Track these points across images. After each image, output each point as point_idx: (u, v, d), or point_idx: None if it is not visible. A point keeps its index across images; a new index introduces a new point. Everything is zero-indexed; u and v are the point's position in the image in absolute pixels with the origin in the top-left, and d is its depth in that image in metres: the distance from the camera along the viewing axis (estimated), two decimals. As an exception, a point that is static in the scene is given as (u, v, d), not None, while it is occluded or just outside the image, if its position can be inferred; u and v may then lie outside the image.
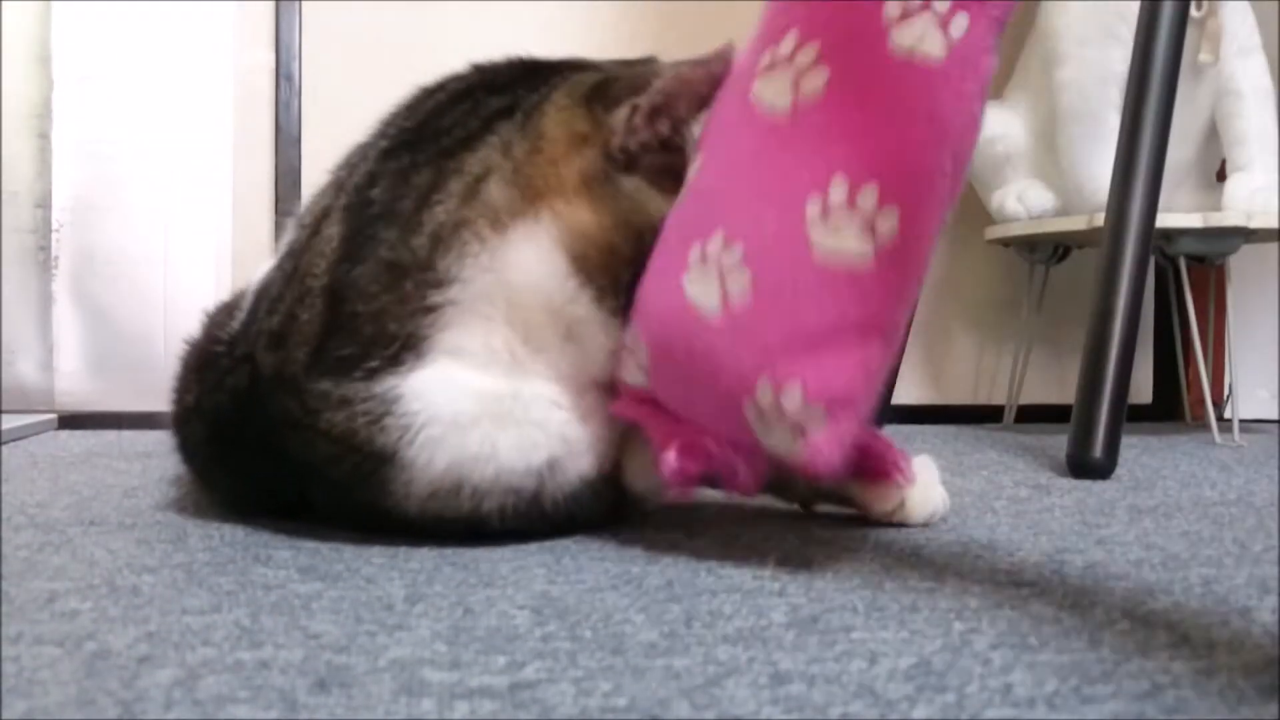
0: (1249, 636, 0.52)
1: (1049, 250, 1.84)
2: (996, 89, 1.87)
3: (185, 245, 1.68)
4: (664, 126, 0.73)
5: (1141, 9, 1.39)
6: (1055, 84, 1.71)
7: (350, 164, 0.76)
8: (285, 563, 0.67)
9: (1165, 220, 1.51)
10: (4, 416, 1.50)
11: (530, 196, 0.70)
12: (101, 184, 1.68)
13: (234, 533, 0.77)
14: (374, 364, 0.69)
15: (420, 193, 0.70)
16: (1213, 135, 1.70)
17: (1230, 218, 1.59)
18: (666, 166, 0.73)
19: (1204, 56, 1.61)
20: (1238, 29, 1.65)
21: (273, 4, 1.76)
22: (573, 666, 0.47)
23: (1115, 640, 0.52)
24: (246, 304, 0.79)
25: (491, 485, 0.70)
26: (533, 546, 0.73)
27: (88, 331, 1.67)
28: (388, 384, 0.69)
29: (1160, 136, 1.33)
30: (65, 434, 1.53)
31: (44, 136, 1.67)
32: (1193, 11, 1.48)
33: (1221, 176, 1.73)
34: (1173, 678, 0.46)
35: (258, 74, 1.77)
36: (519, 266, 0.69)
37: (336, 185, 0.75)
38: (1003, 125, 1.80)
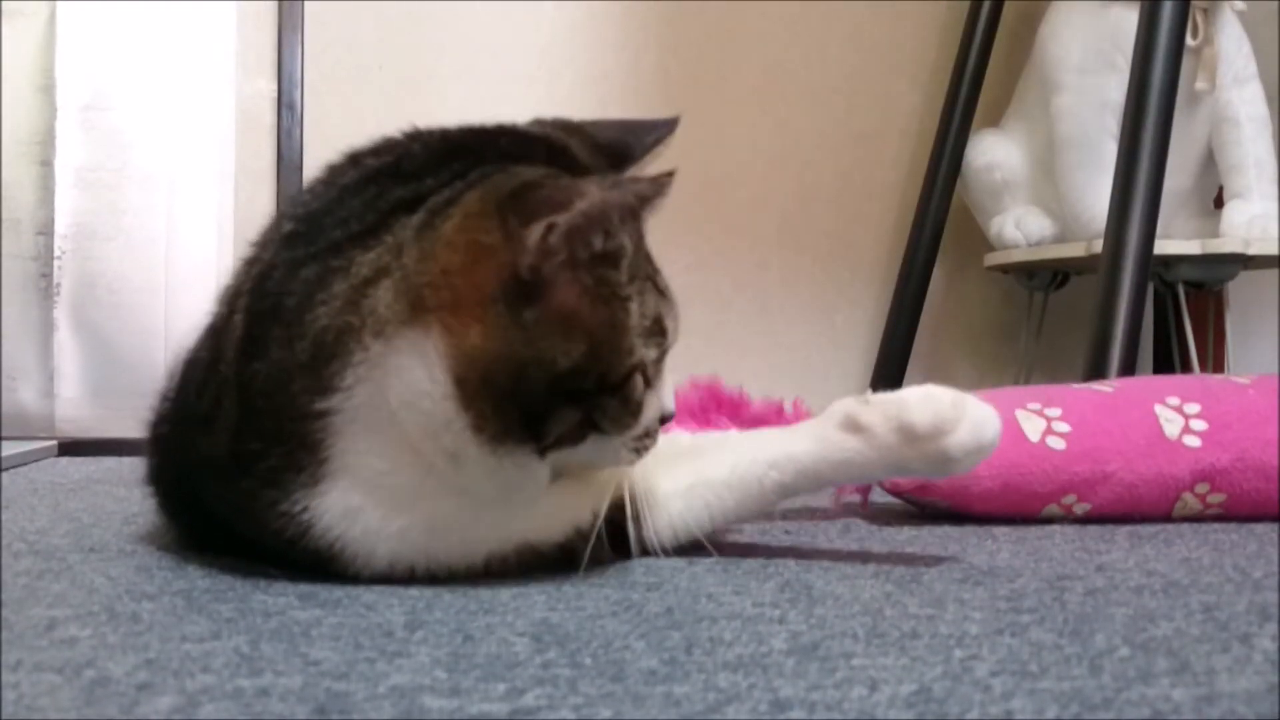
0: (1250, 663, 0.52)
1: (1048, 277, 1.85)
2: (994, 117, 1.88)
3: (186, 273, 1.69)
4: (582, 251, 0.63)
5: (1138, 38, 1.40)
6: (1053, 112, 1.72)
7: (262, 241, 0.70)
8: (285, 589, 0.67)
9: (1163, 247, 1.52)
10: (4, 443, 1.50)
11: (419, 307, 0.62)
12: (103, 212, 1.68)
13: (233, 560, 0.76)
14: (275, 463, 0.65)
15: (306, 290, 0.64)
16: (1210, 163, 1.71)
17: (1228, 244, 1.59)
18: (577, 303, 0.63)
19: (1200, 84, 1.62)
20: (1234, 57, 1.66)
21: (275, 33, 1.78)
22: (573, 694, 0.47)
23: (1116, 667, 0.51)
24: (174, 378, 0.76)
25: (440, 569, 0.69)
26: (532, 574, 0.73)
27: (89, 358, 1.67)
28: (297, 500, 0.65)
29: (1157, 164, 1.34)
30: (65, 460, 1.53)
31: (46, 164, 1.68)
32: (1189, 40, 1.49)
33: (1219, 203, 1.73)
34: (1174, 705, 0.46)
35: (260, 102, 1.78)
36: (401, 380, 0.62)
37: (249, 264, 0.70)
38: (1001, 153, 1.81)
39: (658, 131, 0.76)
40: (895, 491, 1.02)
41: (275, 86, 1.78)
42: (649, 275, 0.69)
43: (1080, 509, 0.98)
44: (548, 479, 0.68)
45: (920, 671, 0.51)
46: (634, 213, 0.65)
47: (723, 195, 1.86)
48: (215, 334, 0.71)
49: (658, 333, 0.68)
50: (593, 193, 0.62)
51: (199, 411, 0.70)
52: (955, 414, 0.74)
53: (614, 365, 0.65)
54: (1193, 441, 0.99)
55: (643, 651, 0.54)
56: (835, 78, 1.96)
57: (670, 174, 0.66)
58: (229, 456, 0.67)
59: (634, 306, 0.66)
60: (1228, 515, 1.01)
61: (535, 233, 0.61)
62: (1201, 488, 0.99)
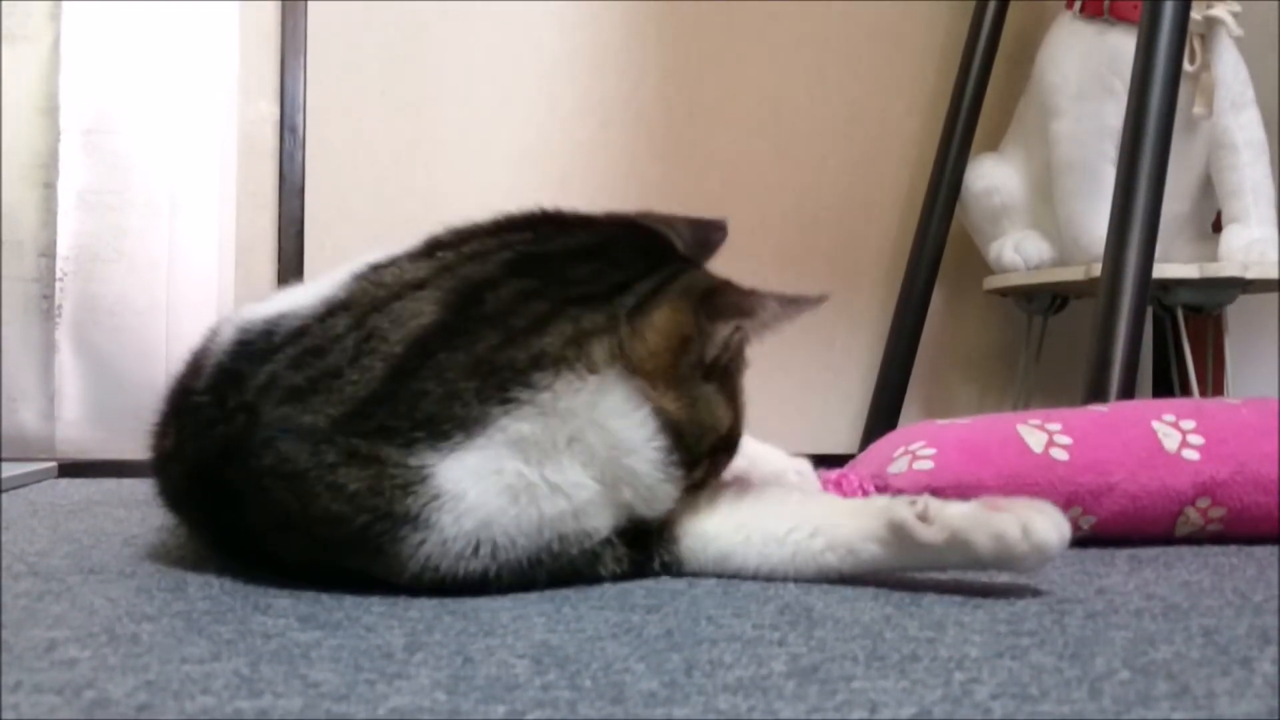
0: (1250, 687, 0.52)
1: (1046, 300, 1.86)
2: (993, 141, 1.89)
3: (188, 295, 1.69)
4: (746, 347, 0.80)
5: (1135, 63, 1.41)
6: (1051, 136, 1.73)
7: (461, 251, 0.77)
8: (285, 611, 0.67)
9: (1162, 271, 1.53)
10: (5, 464, 1.50)
11: (627, 366, 0.74)
12: (105, 234, 1.69)
13: (233, 581, 0.76)
14: (419, 435, 0.70)
15: (534, 319, 0.73)
16: (1208, 187, 1.72)
17: (1227, 269, 1.60)
18: (730, 379, 0.79)
19: (1198, 110, 1.63)
20: (1231, 83, 1.67)
21: (277, 56, 1.79)
22: (572, 716, 0.47)
23: (1116, 691, 0.51)
24: (223, 351, 0.77)
25: (509, 549, 0.73)
26: (533, 595, 0.73)
27: (89, 380, 1.67)
28: (426, 457, 0.70)
29: (1156, 188, 1.35)
30: (65, 482, 1.53)
31: (49, 186, 1.69)
32: (1186, 66, 1.50)
33: (1217, 228, 1.74)
34: (1174, 728, 0.46)
35: (262, 126, 1.79)
36: (600, 408, 0.73)
37: (440, 267, 0.76)
38: (1000, 177, 1.82)
39: (719, 234, 0.93)
40: None
41: (277, 110, 1.79)
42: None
43: (1086, 522, 0.98)
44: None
45: (920, 694, 0.50)
46: (796, 318, 0.78)
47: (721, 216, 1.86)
48: (355, 309, 0.74)
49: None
50: (773, 308, 0.77)
51: (290, 382, 0.72)
52: (1020, 539, 0.72)
53: (738, 428, 0.81)
54: (1191, 455, 0.99)
55: (643, 674, 0.54)
56: (834, 103, 1.97)
57: (826, 297, 0.79)
58: (333, 422, 0.70)
59: (742, 381, 0.81)
60: (1226, 532, 1.00)
61: (723, 332, 0.76)
62: (1203, 501, 0.98)
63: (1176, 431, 1.00)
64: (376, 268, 0.78)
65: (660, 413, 0.74)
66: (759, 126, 1.93)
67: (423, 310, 0.73)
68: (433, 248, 0.79)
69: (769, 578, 0.80)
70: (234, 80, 1.76)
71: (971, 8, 1.90)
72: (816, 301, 0.78)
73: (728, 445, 0.81)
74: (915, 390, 1.88)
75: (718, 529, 0.81)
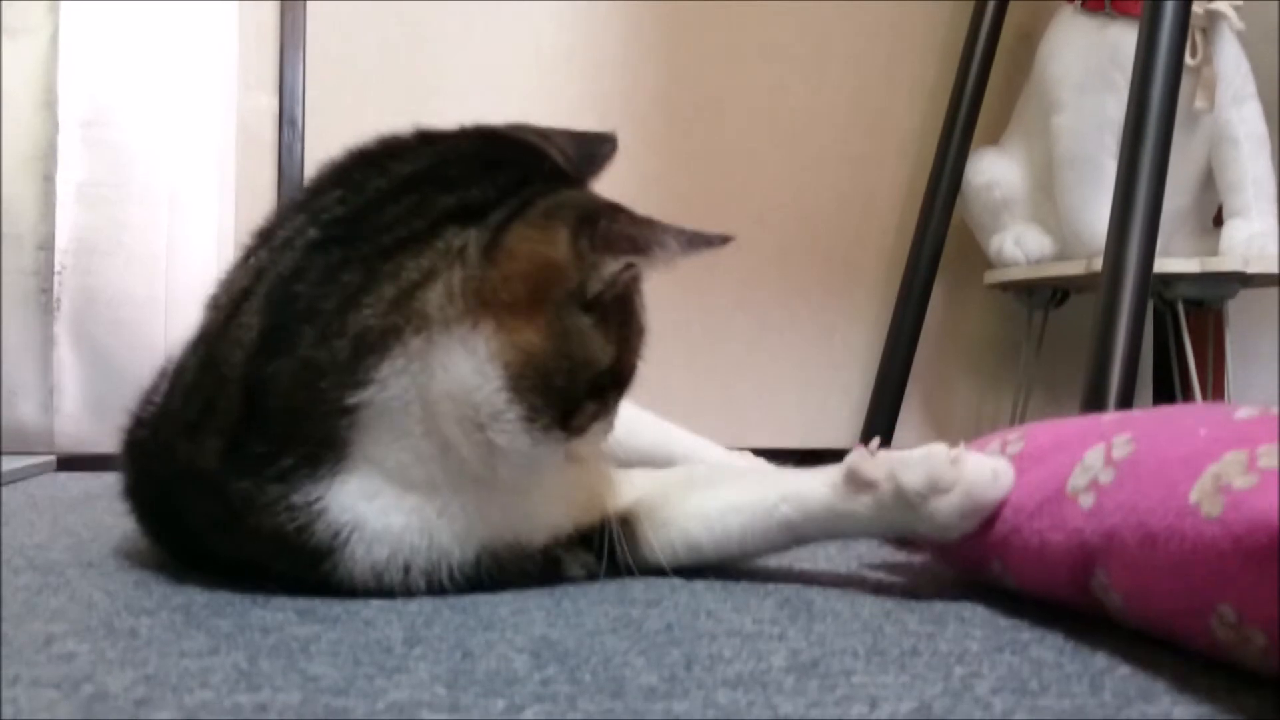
0: (1250, 682, 0.52)
1: (1047, 294, 1.85)
2: (994, 135, 1.89)
3: (187, 288, 1.69)
4: (637, 282, 0.72)
5: (1137, 57, 1.40)
6: (1052, 130, 1.73)
7: (273, 244, 0.72)
8: (283, 605, 0.67)
9: (1163, 265, 1.52)
10: (4, 458, 1.50)
11: (475, 306, 0.67)
12: (104, 227, 1.69)
13: (225, 576, 0.76)
14: (289, 462, 0.67)
15: (347, 293, 0.67)
16: (1209, 181, 1.72)
17: (1228, 263, 1.60)
18: (613, 311, 0.71)
19: (1199, 104, 1.63)
20: (1232, 76, 1.67)
21: (276, 49, 1.78)
22: (572, 710, 0.47)
23: (1116, 685, 0.51)
24: (164, 384, 0.76)
25: (434, 567, 0.70)
26: (531, 590, 0.73)
27: (88, 374, 1.67)
28: (309, 492, 0.67)
29: (1157, 182, 1.35)
30: (64, 476, 1.53)
31: (48, 179, 1.68)
32: (1188, 59, 1.50)
33: (1218, 222, 1.74)
34: (1175, 723, 0.46)
35: (261, 118, 1.78)
36: (446, 374, 0.67)
37: (257, 270, 0.71)
38: (1000, 171, 1.82)
39: (606, 147, 0.83)
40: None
41: (276, 102, 1.78)
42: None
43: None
44: (560, 461, 0.73)
45: (920, 689, 0.50)
46: (697, 254, 0.71)
47: (723, 215, 1.86)
48: (209, 340, 0.72)
49: (644, 334, 0.75)
50: (671, 245, 0.69)
51: (185, 419, 0.71)
52: (952, 475, 0.71)
53: (628, 364, 0.73)
54: (1087, 501, 0.66)
55: (642, 668, 0.54)
56: (835, 97, 1.96)
57: (730, 238, 0.71)
58: (220, 460, 0.68)
59: (639, 314, 0.74)
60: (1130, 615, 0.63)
61: (613, 267, 0.68)
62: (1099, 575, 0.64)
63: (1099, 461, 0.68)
64: (215, 290, 0.74)
65: (516, 348, 0.67)
66: (759, 122, 1.93)
67: (250, 324, 0.69)
68: (253, 247, 0.74)
69: (735, 551, 0.78)
70: (233, 73, 1.76)
71: (972, 2, 1.89)
72: (719, 241, 0.71)
73: (616, 381, 0.72)
74: (916, 384, 1.88)
75: (676, 513, 0.79)
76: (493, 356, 0.67)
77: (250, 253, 0.73)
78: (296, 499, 0.67)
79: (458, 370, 0.67)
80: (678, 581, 0.76)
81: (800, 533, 0.77)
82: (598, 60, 1.88)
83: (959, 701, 0.48)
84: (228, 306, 0.71)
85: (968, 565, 0.77)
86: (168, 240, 1.70)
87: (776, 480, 0.80)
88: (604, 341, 0.70)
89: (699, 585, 0.75)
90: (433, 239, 0.68)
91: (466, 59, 1.83)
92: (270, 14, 1.78)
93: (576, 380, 0.69)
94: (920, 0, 1.98)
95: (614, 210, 0.71)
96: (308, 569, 0.68)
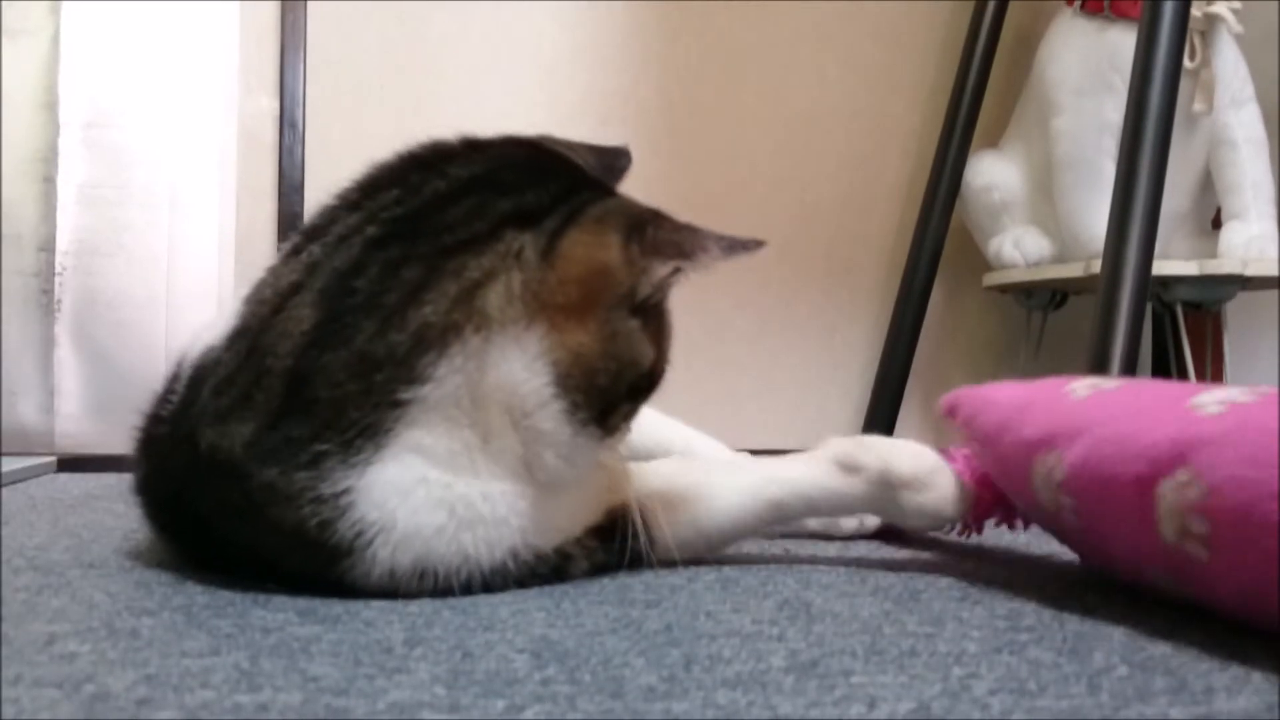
0: (1249, 683, 0.52)
1: (1046, 297, 1.86)
2: (993, 138, 1.89)
3: (188, 290, 1.69)
4: (678, 284, 0.75)
5: (1135, 60, 1.41)
6: (1051, 133, 1.73)
7: (325, 241, 0.72)
8: (284, 605, 0.67)
9: (1161, 268, 1.53)
10: (4, 458, 1.50)
11: (532, 308, 0.69)
12: (105, 228, 1.69)
13: (230, 575, 0.76)
14: (324, 448, 0.67)
15: (409, 289, 0.69)
16: (1207, 184, 1.72)
17: (1226, 265, 1.60)
18: (655, 315, 0.74)
19: (1198, 106, 1.63)
20: (1231, 79, 1.67)
21: (277, 51, 1.79)
22: (572, 710, 0.47)
23: (1114, 686, 0.52)
24: (183, 380, 0.75)
25: (454, 572, 0.70)
26: (532, 590, 0.73)
27: (89, 375, 1.67)
28: (339, 481, 0.67)
29: (1155, 185, 1.35)
30: (65, 476, 1.53)
31: (49, 180, 1.69)
32: (1186, 62, 1.50)
33: (1216, 224, 1.74)
34: (1172, 723, 0.46)
35: (261, 120, 1.78)
36: (497, 369, 0.69)
37: (309, 265, 0.72)
38: (999, 173, 1.82)
39: (623, 160, 0.87)
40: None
41: (277, 104, 1.78)
42: None
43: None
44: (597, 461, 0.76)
45: (919, 689, 0.51)
46: (734, 259, 0.74)
47: (723, 215, 1.85)
48: (250, 333, 0.71)
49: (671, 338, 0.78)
50: (715, 251, 0.72)
51: (215, 409, 0.70)
52: (932, 478, 0.85)
53: (663, 367, 0.76)
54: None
55: (642, 668, 0.54)
56: (834, 99, 1.96)
57: (764, 243, 0.74)
58: (248, 449, 0.68)
59: (670, 319, 0.77)
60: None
61: (662, 271, 0.72)
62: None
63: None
64: (258, 284, 0.74)
65: (566, 348, 0.69)
66: (759, 123, 1.93)
67: (303, 316, 0.69)
68: (301, 244, 0.74)
69: (735, 531, 0.83)
70: (234, 75, 1.76)
71: (971, 5, 1.89)
72: (755, 246, 0.74)
73: (650, 384, 0.76)
74: (915, 386, 1.88)
75: (681, 500, 0.81)
76: (543, 354, 0.69)
77: (298, 249, 0.74)
78: (325, 489, 0.67)
79: (510, 366, 0.69)
80: (678, 581, 0.76)
81: (789, 509, 0.84)
82: (598, 60, 1.88)
83: (957, 702, 0.49)
84: (274, 300, 0.71)
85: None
86: (169, 241, 1.70)
87: (762, 465, 0.86)
88: (647, 345, 0.73)
89: (699, 585, 0.75)
90: (493, 241, 0.70)
91: (466, 59, 1.84)
92: (271, 15, 1.78)
93: (620, 381, 0.72)
94: (920, 0, 1.99)
95: (659, 217, 0.73)
96: (324, 568, 0.68)
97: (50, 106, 1.69)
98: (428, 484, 0.69)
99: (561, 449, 0.71)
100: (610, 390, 0.71)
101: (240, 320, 0.73)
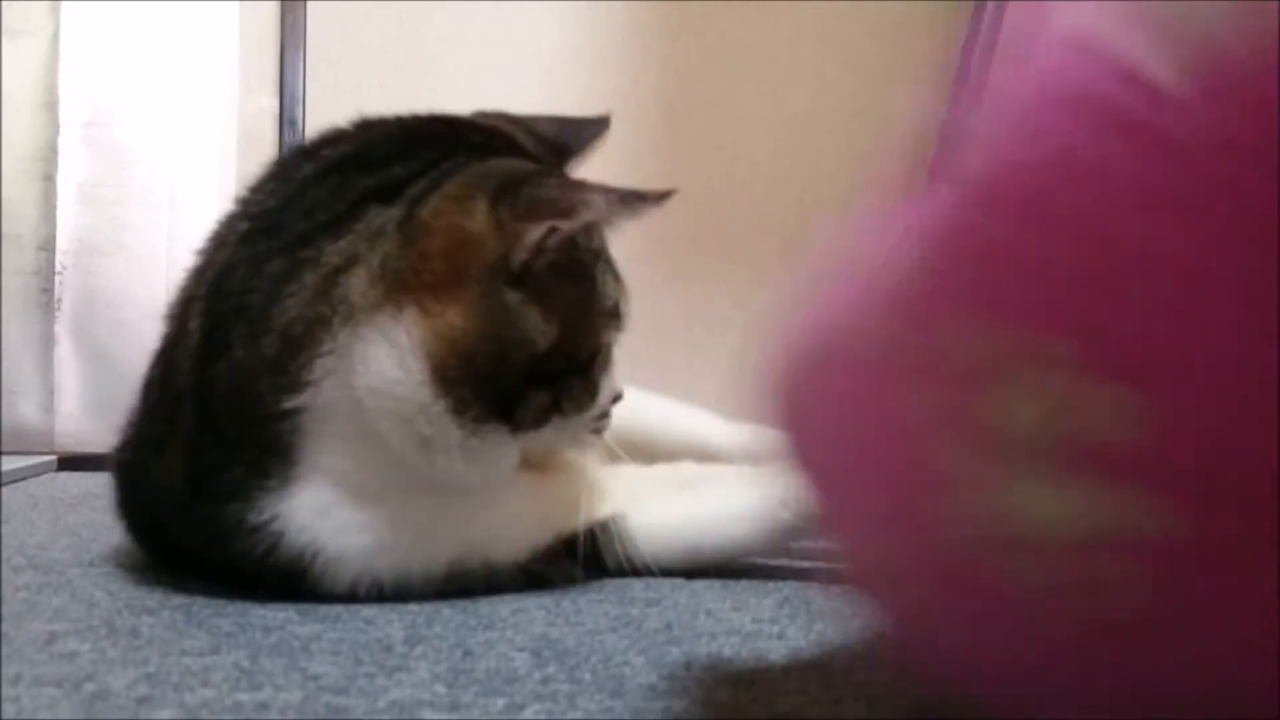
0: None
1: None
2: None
3: (187, 288, 1.69)
4: (572, 250, 0.65)
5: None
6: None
7: (213, 245, 0.69)
8: (284, 605, 0.67)
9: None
10: (4, 458, 1.50)
11: (395, 290, 0.62)
12: (105, 227, 1.69)
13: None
14: (239, 472, 0.64)
15: (272, 285, 0.63)
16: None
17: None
18: (555, 287, 0.65)
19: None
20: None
21: (277, 50, 1.79)
22: (572, 709, 0.47)
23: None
24: (135, 405, 0.74)
25: (401, 586, 0.68)
26: (531, 589, 0.73)
27: (89, 374, 1.67)
28: (263, 509, 0.64)
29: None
30: (65, 475, 1.53)
31: (49, 180, 1.68)
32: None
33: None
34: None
35: (261, 119, 1.78)
36: (368, 369, 0.62)
37: (199, 270, 0.69)
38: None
39: (593, 128, 0.79)
40: None
41: (277, 103, 1.78)
42: (608, 259, 0.70)
43: None
44: (515, 463, 0.69)
45: (919, 688, 0.51)
46: (629, 216, 0.65)
47: (722, 215, 1.86)
48: (166, 351, 0.70)
49: (616, 315, 0.70)
50: (599, 205, 0.63)
51: (153, 436, 0.69)
52: None
53: (582, 346, 0.67)
54: None
55: (642, 667, 0.54)
56: (834, 99, 1.96)
57: (670, 193, 0.66)
58: (185, 479, 0.66)
59: (602, 290, 0.68)
60: None
61: (534, 233, 0.63)
62: None
63: None
64: (175, 296, 0.72)
65: (439, 335, 0.62)
66: (759, 123, 1.93)
67: (194, 328, 0.66)
68: (199, 251, 0.71)
69: (739, 548, 0.77)
70: (233, 74, 1.76)
71: (971, 6, 1.89)
72: (656, 199, 0.65)
73: (572, 367, 0.66)
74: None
75: (672, 516, 0.77)
76: (416, 346, 0.62)
77: (198, 255, 0.71)
78: (253, 518, 0.64)
79: (380, 365, 0.62)
80: (678, 581, 0.76)
81: (808, 533, 0.73)
82: (598, 60, 1.88)
83: (957, 701, 0.49)
84: (179, 314, 0.69)
85: None
86: (169, 240, 1.70)
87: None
88: (540, 320, 0.64)
89: (699, 584, 0.75)
90: (352, 221, 0.64)
91: (466, 59, 1.83)
92: (270, 14, 1.78)
93: (507, 365, 0.63)
94: (920, 0, 1.99)
95: (538, 175, 0.66)
96: (286, 585, 0.67)
97: (50, 106, 1.68)
98: (340, 507, 0.65)
99: (455, 455, 0.64)
100: (497, 378, 0.63)
101: (161, 338, 0.71)
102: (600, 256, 0.68)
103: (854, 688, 0.51)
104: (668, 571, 0.78)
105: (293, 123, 1.78)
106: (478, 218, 0.63)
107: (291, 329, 0.62)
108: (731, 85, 1.92)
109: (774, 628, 0.63)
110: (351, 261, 0.63)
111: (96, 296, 1.68)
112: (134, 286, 1.68)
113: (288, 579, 0.66)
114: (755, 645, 0.58)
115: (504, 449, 0.66)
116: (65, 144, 1.68)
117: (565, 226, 0.63)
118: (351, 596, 0.67)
